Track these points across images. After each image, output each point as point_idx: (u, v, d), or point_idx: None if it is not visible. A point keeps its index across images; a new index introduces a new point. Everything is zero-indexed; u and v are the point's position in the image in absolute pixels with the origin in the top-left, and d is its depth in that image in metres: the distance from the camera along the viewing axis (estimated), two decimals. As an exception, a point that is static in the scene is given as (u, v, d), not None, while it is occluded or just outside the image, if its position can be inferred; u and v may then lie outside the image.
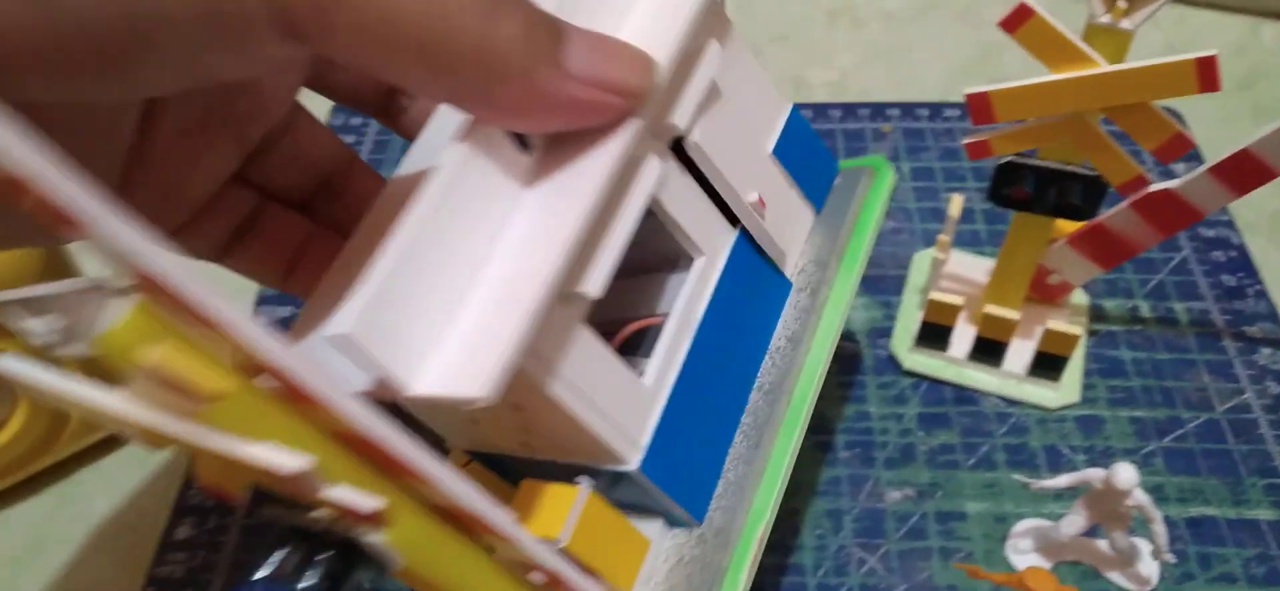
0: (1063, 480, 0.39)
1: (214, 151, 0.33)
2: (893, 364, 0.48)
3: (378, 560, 0.24)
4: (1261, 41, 0.65)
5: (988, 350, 0.46)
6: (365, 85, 0.37)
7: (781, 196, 0.36)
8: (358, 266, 0.27)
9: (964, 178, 0.57)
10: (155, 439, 0.21)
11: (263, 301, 0.53)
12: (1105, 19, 0.36)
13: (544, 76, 0.26)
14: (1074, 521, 0.39)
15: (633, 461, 0.30)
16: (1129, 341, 0.48)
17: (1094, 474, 0.37)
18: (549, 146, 0.29)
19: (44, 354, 0.20)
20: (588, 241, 0.27)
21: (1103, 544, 0.41)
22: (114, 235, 0.18)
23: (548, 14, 0.26)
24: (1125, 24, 0.36)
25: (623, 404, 0.30)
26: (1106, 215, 0.43)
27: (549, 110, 0.27)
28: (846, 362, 0.48)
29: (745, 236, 0.35)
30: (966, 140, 0.41)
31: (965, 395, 0.47)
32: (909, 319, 0.49)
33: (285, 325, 0.45)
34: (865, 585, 0.40)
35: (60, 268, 0.43)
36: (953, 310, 0.45)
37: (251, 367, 0.20)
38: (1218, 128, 0.58)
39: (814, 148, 0.38)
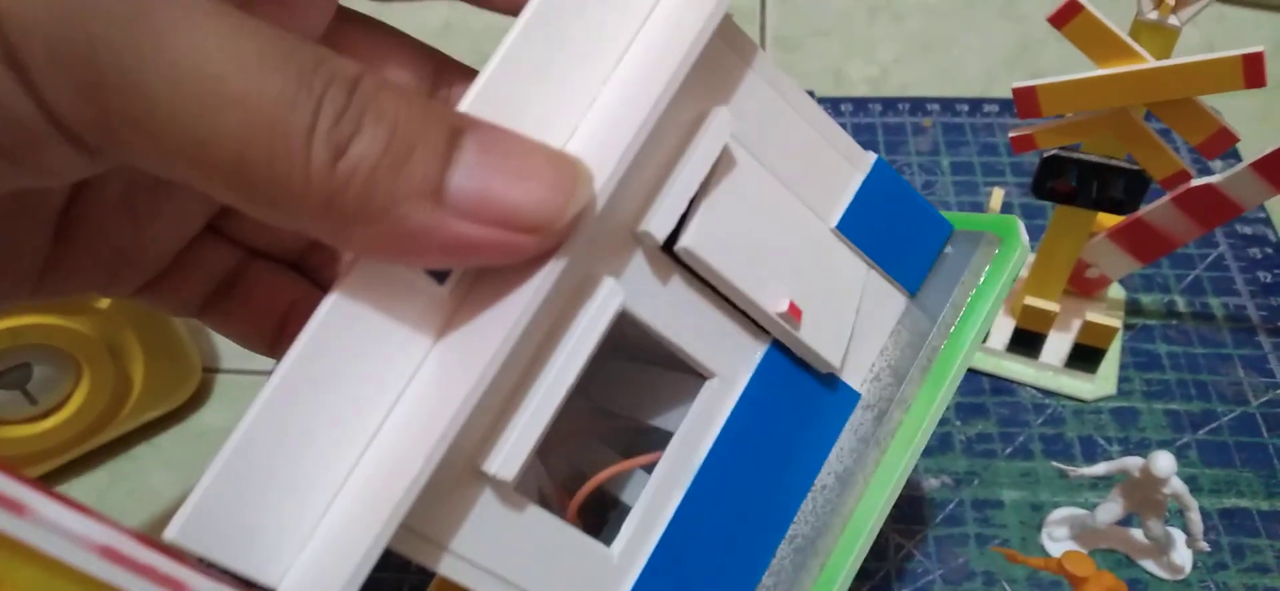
0: (1100, 468, 0.39)
1: (172, 209, 0.28)
2: (931, 354, 0.49)
3: None
4: (1300, 41, 0.65)
5: (1026, 342, 0.47)
6: (283, 238, 0.32)
7: (844, 286, 0.28)
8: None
9: (1002, 173, 0.57)
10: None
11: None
12: (1153, 15, 0.37)
13: (414, 215, 0.19)
14: (1110, 509, 0.39)
15: None
16: (1165, 335, 0.49)
17: (1131, 462, 0.38)
18: (477, 276, 0.23)
19: None
20: (501, 407, 0.22)
21: (1137, 533, 0.41)
22: None
23: (438, 117, 0.20)
24: (1172, 21, 0.37)
25: (576, 584, 0.25)
26: (1147, 209, 0.43)
27: (424, 253, 0.20)
28: (886, 352, 0.49)
29: (781, 347, 0.27)
30: (1012, 133, 0.41)
31: (1003, 386, 0.47)
32: (948, 310, 0.50)
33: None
34: (902, 569, 0.41)
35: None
36: (992, 301, 0.46)
37: None
38: (1256, 125, 0.58)
39: (910, 210, 0.29)
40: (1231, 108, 0.58)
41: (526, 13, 0.22)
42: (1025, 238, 0.29)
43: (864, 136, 0.60)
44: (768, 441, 0.27)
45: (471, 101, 0.22)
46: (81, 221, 0.26)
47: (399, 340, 0.22)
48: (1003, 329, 0.48)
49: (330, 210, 0.19)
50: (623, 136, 0.21)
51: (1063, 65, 0.38)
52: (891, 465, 0.28)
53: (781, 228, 0.27)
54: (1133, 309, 0.50)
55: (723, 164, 0.25)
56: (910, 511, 0.43)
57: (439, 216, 0.19)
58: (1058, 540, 0.42)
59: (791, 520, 0.28)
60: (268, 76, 0.18)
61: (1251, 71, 0.35)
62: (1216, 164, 0.55)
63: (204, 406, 0.49)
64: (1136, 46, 0.37)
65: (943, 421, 0.46)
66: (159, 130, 0.18)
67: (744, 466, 0.27)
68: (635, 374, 0.27)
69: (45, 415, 0.44)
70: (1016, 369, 0.47)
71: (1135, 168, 0.40)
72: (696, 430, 0.26)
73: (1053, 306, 0.45)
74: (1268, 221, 0.54)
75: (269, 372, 0.21)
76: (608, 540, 0.26)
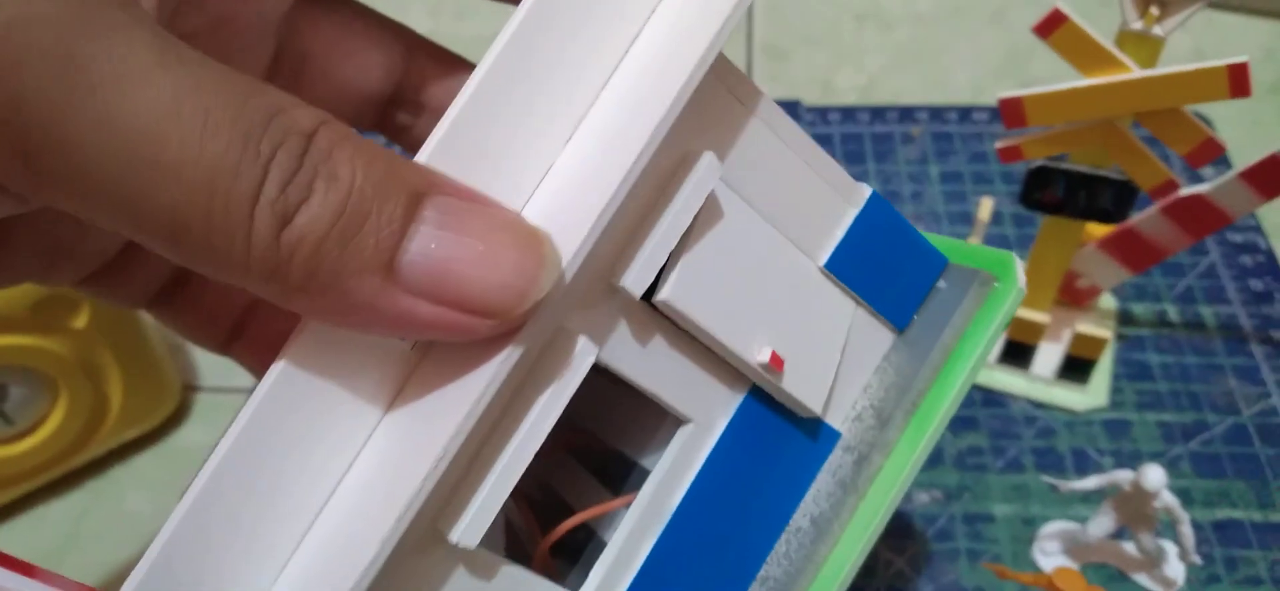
0: (1091, 482, 0.39)
1: None
2: (920, 366, 0.48)
3: None
4: (1290, 46, 0.65)
5: (1016, 353, 0.46)
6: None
7: (830, 327, 0.27)
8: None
9: (992, 181, 0.57)
10: None
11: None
12: (1138, 25, 0.36)
13: (361, 289, 0.18)
14: (1102, 523, 0.39)
15: None
16: (1156, 345, 0.48)
17: (1122, 475, 0.38)
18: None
19: None
20: (464, 469, 0.21)
21: (1129, 546, 0.41)
22: None
23: (400, 178, 0.19)
24: (1157, 30, 0.36)
25: None
26: (1136, 219, 0.43)
27: (372, 326, 0.19)
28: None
29: (759, 392, 0.26)
30: (999, 144, 0.41)
31: (993, 398, 0.47)
32: (937, 321, 0.49)
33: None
34: (893, 586, 0.41)
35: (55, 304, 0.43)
36: (981, 313, 0.45)
37: None
38: (1247, 130, 0.58)
39: (903, 243, 0.28)
40: (1222, 115, 0.58)
41: (501, 41, 0.21)
42: (1021, 277, 0.27)
43: (852, 146, 0.59)
44: (743, 485, 0.26)
45: (435, 146, 0.20)
46: (22, 216, 0.24)
47: (356, 395, 0.21)
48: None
49: (272, 279, 0.18)
50: (599, 199, 0.20)
51: (1052, 74, 0.38)
52: (869, 512, 0.26)
53: (766, 272, 0.25)
54: (1124, 318, 0.50)
55: (707, 211, 0.23)
56: (900, 527, 0.42)
57: (389, 292, 0.18)
58: (1050, 554, 0.41)
59: (763, 562, 0.27)
60: (210, 140, 0.17)
61: (1236, 81, 0.35)
62: (1207, 171, 0.55)
63: (183, 425, 0.49)
64: (1122, 56, 0.36)
65: (932, 434, 0.45)
66: (91, 190, 0.17)
67: (718, 510, 0.26)
68: (608, 390, 0.25)
69: (22, 436, 0.43)
70: (1007, 380, 0.47)
71: (1123, 178, 0.40)
72: (671, 475, 0.25)
73: (1043, 318, 0.44)
74: (1259, 229, 0.53)
75: (251, 390, 0.20)
76: (580, 572, 0.25)
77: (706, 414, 0.25)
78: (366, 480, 0.21)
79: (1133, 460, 0.44)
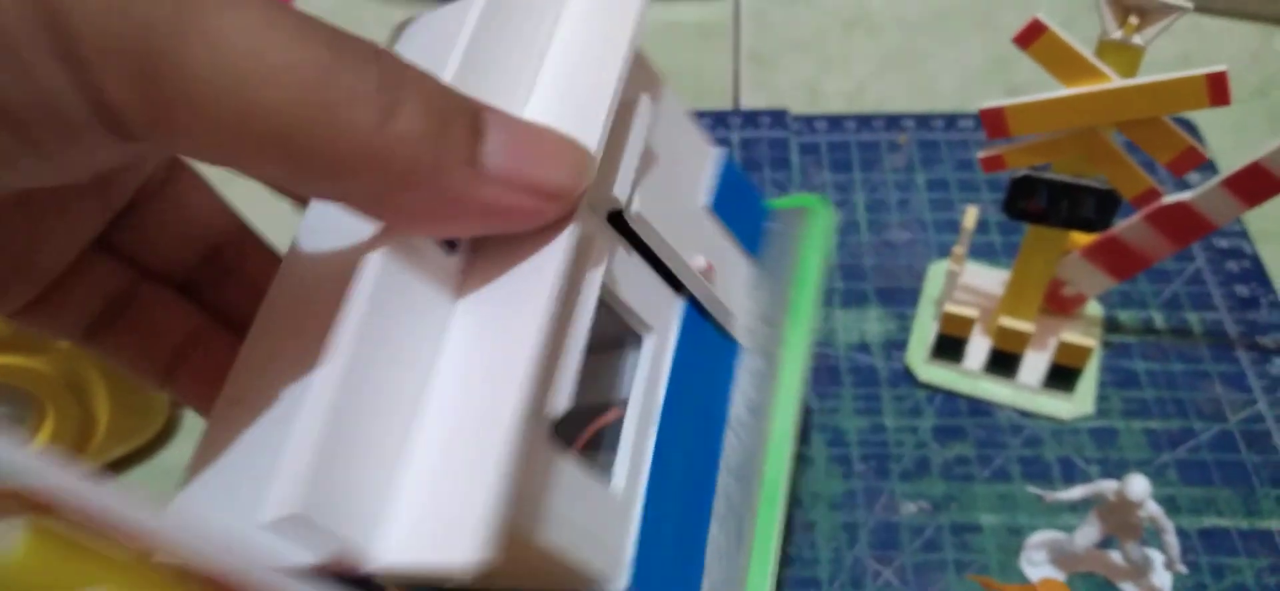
0: (1076, 492, 0.39)
1: (70, 213, 0.27)
2: (908, 376, 0.48)
3: None
4: (1275, 49, 0.65)
5: (1003, 362, 0.46)
6: (179, 254, 0.31)
7: (723, 253, 0.33)
8: (266, 397, 0.23)
9: (978, 188, 0.57)
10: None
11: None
12: (1118, 34, 0.36)
13: (456, 180, 0.21)
14: (1088, 533, 0.39)
15: (619, 582, 0.26)
16: (1143, 352, 0.48)
17: (1107, 486, 0.38)
18: (477, 245, 0.26)
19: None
20: (546, 356, 0.23)
21: (1116, 555, 0.41)
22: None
23: (461, 98, 0.22)
24: (1137, 40, 0.36)
25: (598, 519, 0.26)
26: (1120, 227, 0.43)
27: (462, 217, 0.22)
28: (862, 375, 0.48)
29: (693, 303, 0.32)
30: (981, 154, 0.41)
31: (980, 407, 0.47)
32: (924, 331, 0.49)
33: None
34: (880, 596, 0.41)
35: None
36: (967, 322, 0.45)
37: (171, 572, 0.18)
38: (1232, 135, 0.58)
39: (746, 192, 0.36)
40: (1207, 120, 0.58)
41: (470, 23, 0.26)
42: (832, 213, 0.38)
43: (839, 154, 0.59)
44: (698, 387, 0.31)
45: (459, 68, 0.25)
46: None
47: (425, 305, 0.24)
48: (979, 349, 0.47)
49: (379, 173, 0.20)
50: (597, 118, 0.25)
51: (1039, 78, 0.38)
52: (789, 390, 0.33)
53: (684, 204, 0.32)
54: (1110, 326, 0.50)
55: (646, 150, 0.29)
56: (887, 538, 0.42)
57: (478, 183, 0.21)
58: (1037, 564, 0.41)
59: (722, 449, 0.32)
60: (305, 47, 0.19)
61: (1215, 90, 0.35)
62: (1193, 176, 0.55)
63: (171, 443, 0.49)
64: (1102, 66, 0.36)
65: (920, 443, 0.45)
66: (206, 109, 0.18)
67: (688, 410, 0.30)
68: None
69: (8, 457, 0.43)
70: (993, 389, 0.47)
71: (1106, 187, 0.40)
72: (652, 378, 0.29)
73: (1028, 327, 0.44)
74: (1245, 234, 0.53)
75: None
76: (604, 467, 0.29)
77: (663, 322, 0.30)
78: (466, 368, 0.23)
79: (1119, 468, 0.44)
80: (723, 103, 0.64)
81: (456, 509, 0.21)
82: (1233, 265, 0.52)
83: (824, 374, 0.48)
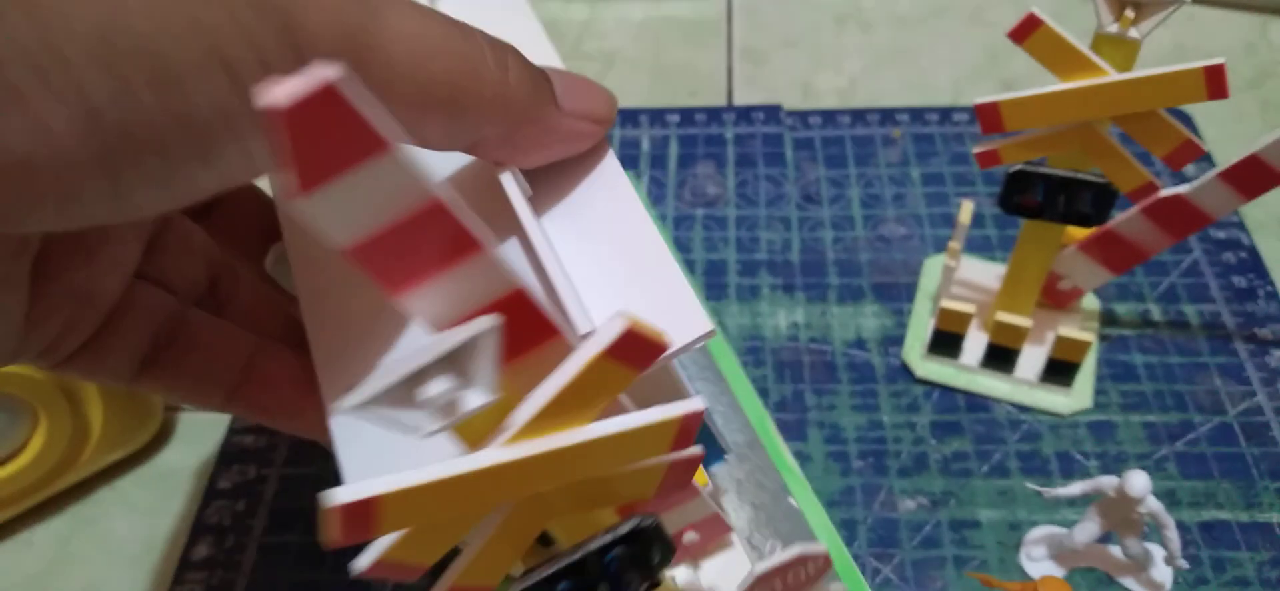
0: (1075, 488, 0.39)
1: (112, 241, 0.29)
2: (905, 372, 0.48)
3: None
4: (1270, 40, 0.65)
5: (1000, 357, 0.46)
6: (197, 273, 0.33)
7: None
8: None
9: (974, 183, 0.57)
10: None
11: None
12: (1113, 28, 0.36)
13: (550, 115, 0.28)
14: (1087, 528, 0.39)
15: (710, 324, 0.27)
16: (1140, 345, 0.48)
17: (1107, 482, 0.38)
18: (540, 184, 0.31)
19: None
20: None
21: (1116, 550, 0.41)
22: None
23: (528, 58, 0.27)
24: (1133, 33, 0.36)
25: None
26: (1117, 221, 0.43)
27: (555, 144, 0.29)
28: (859, 371, 0.48)
29: None
30: (976, 149, 0.41)
31: (978, 402, 0.47)
32: (921, 326, 0.49)
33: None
34: (880, 594, 0.41)
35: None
36: (964, 318, 0.45)
37: None
38: (1228, 125, 0.58)
39: None
40: (1203, 112, 0.58)
41: None
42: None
43: (833, 149, 0.59)
44: None
45: None
46: (46, 262, 0.26)
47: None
48: (977, 343, 0.47)
49: (507, 115, 0.26)
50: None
51: (1033, 72, 0.38)
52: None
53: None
54: (1107, 319, 0.49)
55: None
56: (886, 534, 0.42)
57: (561, 117, 0.28)
58: (1036, 560, 0.41)
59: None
60: (447, 27, 0.24)
61: (1213, 83, 0.35)
62: (1189, 169, 0.55)
63: (166, 447, 0.48)
64: (1098, 60, 0.36)
65: (918, 439, 0.45)
66: (401, 82, 0.23)
67: None
68: None
69: (3, 462, 0.43)
70: (991, 384, 0.47)
71: (1102, 181, 0.40)
72: None
73: (1025, 322, 0.44)
74: (1241, 226, 0.53)
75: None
76: None
77: None
78: (589, 246, 0.29)
79: (1118, 462, 0.44)
80: (716, 99, 0.64)
81: (672, 309, 0.26)
82: (1230, 257, 0.52)
83: (821, 370, 0.48)
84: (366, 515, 0.19)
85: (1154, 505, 0.37)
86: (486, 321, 0.19)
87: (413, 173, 0.17)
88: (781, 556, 0.28)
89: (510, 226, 0.29)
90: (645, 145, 0.60)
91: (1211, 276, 0.51)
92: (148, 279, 0.30)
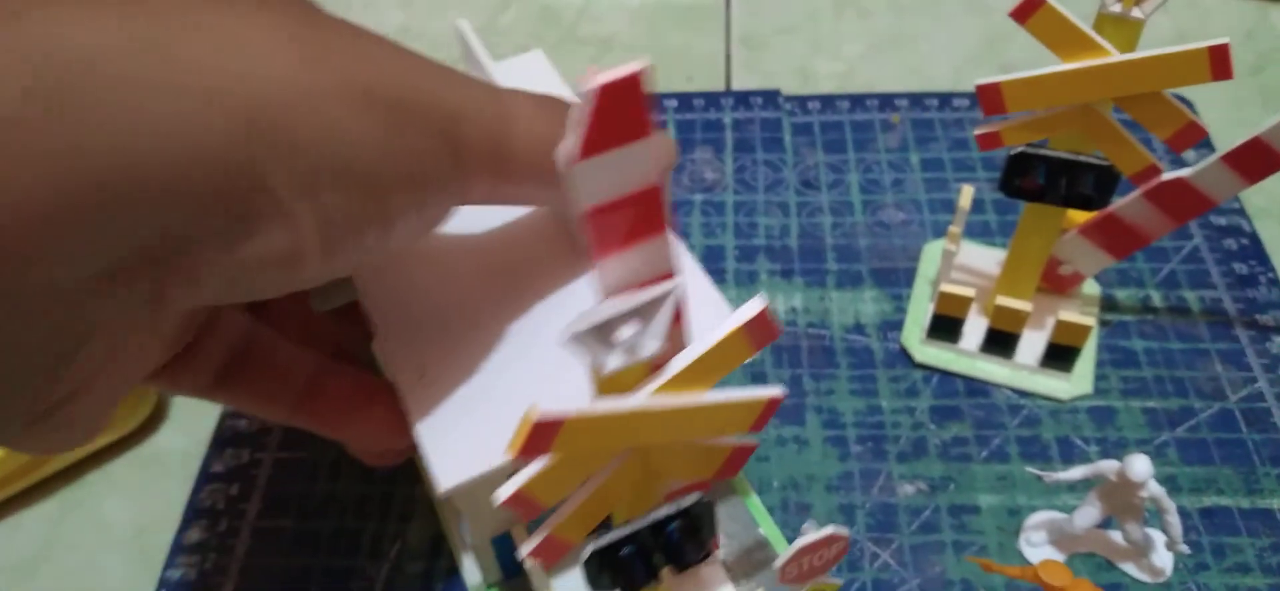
0: (1076, 473, 0.38)
1: None
2: (904, 357, 0.48)
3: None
4: (1271, 26, 0.64)
5: (1000, 342, 0.46)
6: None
7: None
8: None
9: (974, 168, 0.56)
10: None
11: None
12: (1116, 8, 0.36)
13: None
14: (1088, 513, 0.38)
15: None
16: (1141, 331, 0.48)
17: (1108, 466, 0.37)
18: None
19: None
20: None
21: (1116, 535, 0.40)
22: None
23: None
24: (1136, 13, 0.36)
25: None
26: (1118, 204, 0.43)
27: None
28: (857, 355, 0.48)
29: None
30: (977, 131, 0.40)
31: (977, 387, 0.46)
32: (920, 311, 0.49)
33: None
34: (878, 580, 0.40)
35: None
36: (964, 302, 0.45)
37: None
38: (1227, 111, 0.58)
39: None
40: (1203, 97, 0.57)
41: None
42: None
43: (832, 134, 0.59)
44: None
45: None
46: None
47: None
48: (976, 329, 0.47)
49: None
50: None
51: (1031, 58, 0.37)
52: None
53: None
54: (1108, 305, 0.49)
55: None
56: (884, 519, 0.42)
57: None
58: (1036, 545, 0.41)
59: None
60: (541, 114, 0.30)
61: (1217, 64, 0.35)
62: (1189, 154, 0.54)
63: (159, 430, 0.48)
64: (1101, 40, 0.36)
65: (917, 424, 0.45)
66: (524, 168, 0.30)
67: None
68: None
69: (-8, 447, 0.43)
70: (991, 369, 0.47)
71: (1104, 163, 0.39)
72: None
73: (1025, 306, 0.44)
74: (1242, 212, 0.53)
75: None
76: None
77: None
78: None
79: (1119, 448, 0.44)
80: (714, 84, 0.64)
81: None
82: (1231, 243, 0.51)
83: (819, 355, 0.48)
84: (551, 431, 0.23)
85: (1155, 489, 0.36)
86: (672, 284, 0.24)
87: (651, 159, 0.21)
88: (816, 535, 0.30)
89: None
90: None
91: (1212, 262, 0.51)
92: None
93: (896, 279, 0.51)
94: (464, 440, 0.31)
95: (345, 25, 0.27)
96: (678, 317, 0.25)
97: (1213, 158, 0.40)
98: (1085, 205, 0.41)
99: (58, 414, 0.26)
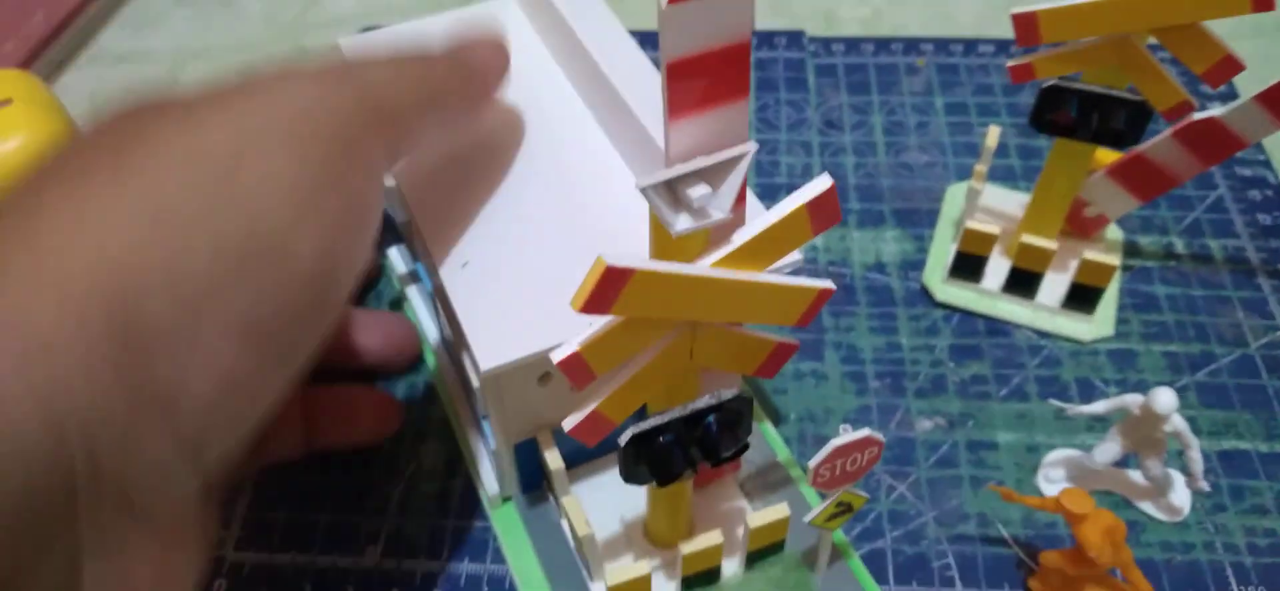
0: (1099, 406, 0.38)
1: None
2: (924, 296, 0.48)
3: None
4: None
5: (1022, 282, 0.46)
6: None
7: None
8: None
9: (998, 113, 0.56)
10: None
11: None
12: (1157, -63, 0.36)
13: (476, 74, 0.35)
14: (1109, 449, 0.38)
15: None
16: (1163, 277, 0.48)
17: (1131, 399, 0.37)
18: None
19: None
20: None
21: (1135, 474, 0.40)
22: None
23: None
24: (1177, -58, 0.35)
25: None
26: (1147, 145, 0.42)
27: (492, 86, 0.36)
28: (878, 294, 0.48)
29: None
30: (1010, 62, 0.40)
31: (997, 327, 0.46)
32: (942, 251, 0.49)
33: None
34: (894, 511, 0.40)
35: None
36: (989, 239, 0.44)
37: None
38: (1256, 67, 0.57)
39: None
40: (1234, 38, 0.57)
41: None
42: None
43: (857, 76, 0.59)
44: None
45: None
46: None
47: None
48: (999, 268, 0.47)
49: (464, 87, 0.34)
50: None
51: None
52: None
53: None
54: (1130, 250, 0.49)
55: None
56: (902, 453, 0.42)
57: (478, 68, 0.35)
58: (1054, 482, 0.41)
59: None
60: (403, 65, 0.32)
61: (1261, -8, 0.34)
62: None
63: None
64: (1141, -32, 0.36)
65: (936, 362, 0.45)
66: (407, 118, 0.31)
67: None
68: None
69: None
70: (1012, 309, 0.46)
71: (1138, 98, 0.39)
72: None
73: (1050, 244, 0.44)
74: (1267, 164, 0.53)
75: None
76: None
77: None
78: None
79: (1139, 389, 0.43)
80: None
81: None
82: (1255, 194, 0.51)
83: (839, 293, 0.48)
84: (619, 281, 0.23)
85: (1179, 423, 0.36)
86: (748, 147, 0.23)
87: (748, 14, 0.21)
88: (854, 435, 0.30)
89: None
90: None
91: (1236, 212, 0.50)
92: None
93: (918, 220, 0.51)
94: (505, 326, 0.32)
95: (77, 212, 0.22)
96: (743, 190, 0.24)
97: (1246, 97, 0.39)
98: (1116, 141, 0.40)
99: None
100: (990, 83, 0.58)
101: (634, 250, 0.30)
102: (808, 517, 0.34)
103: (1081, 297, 0.45)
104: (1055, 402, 0.41)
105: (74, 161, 0.23)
